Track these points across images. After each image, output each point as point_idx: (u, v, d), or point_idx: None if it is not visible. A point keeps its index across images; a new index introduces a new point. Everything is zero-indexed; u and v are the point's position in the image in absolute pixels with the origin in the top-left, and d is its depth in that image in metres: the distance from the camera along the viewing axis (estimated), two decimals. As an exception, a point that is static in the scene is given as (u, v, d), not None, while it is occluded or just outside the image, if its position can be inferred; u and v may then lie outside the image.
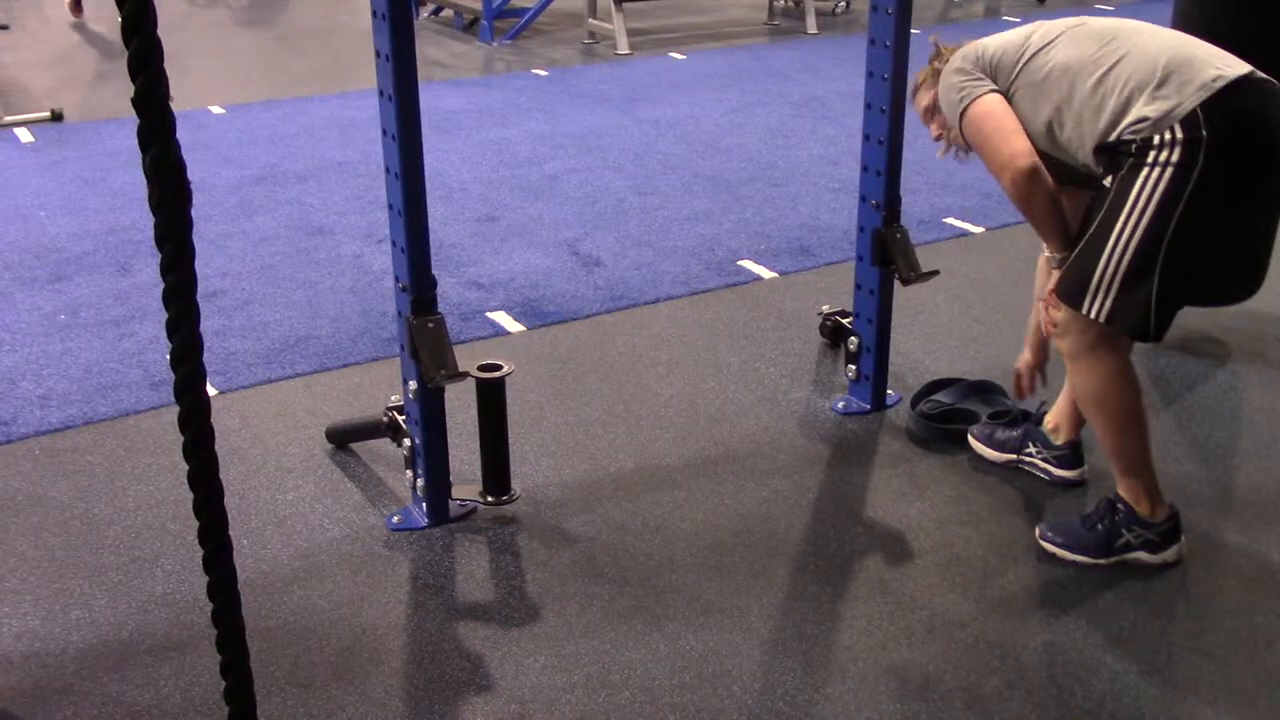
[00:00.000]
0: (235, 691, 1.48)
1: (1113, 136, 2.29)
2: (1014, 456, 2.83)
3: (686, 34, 7.99)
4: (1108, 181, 2.31)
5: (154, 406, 3.14)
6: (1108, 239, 2.27)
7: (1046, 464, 2.79)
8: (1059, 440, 2.76)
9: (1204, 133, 2.19)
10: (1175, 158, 2.21)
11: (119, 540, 2.60)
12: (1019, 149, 2.39)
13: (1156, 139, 2.22)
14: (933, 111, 2.71)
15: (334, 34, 8.13)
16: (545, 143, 5.50)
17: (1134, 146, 2.25)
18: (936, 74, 2.65)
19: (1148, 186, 2.23)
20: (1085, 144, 2.35)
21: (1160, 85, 2.25)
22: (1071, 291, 2.34)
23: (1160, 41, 2.34)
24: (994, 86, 2.47)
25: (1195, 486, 2.78)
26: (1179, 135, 2.20)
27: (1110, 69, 2.32)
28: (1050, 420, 2.78)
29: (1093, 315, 2.30)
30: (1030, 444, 2.80)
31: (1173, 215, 2.22)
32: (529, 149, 5.40)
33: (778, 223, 4.46)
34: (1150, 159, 2.23)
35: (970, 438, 2.91)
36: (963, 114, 2.48)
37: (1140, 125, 2.25)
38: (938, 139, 2.76)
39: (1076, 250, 2.35)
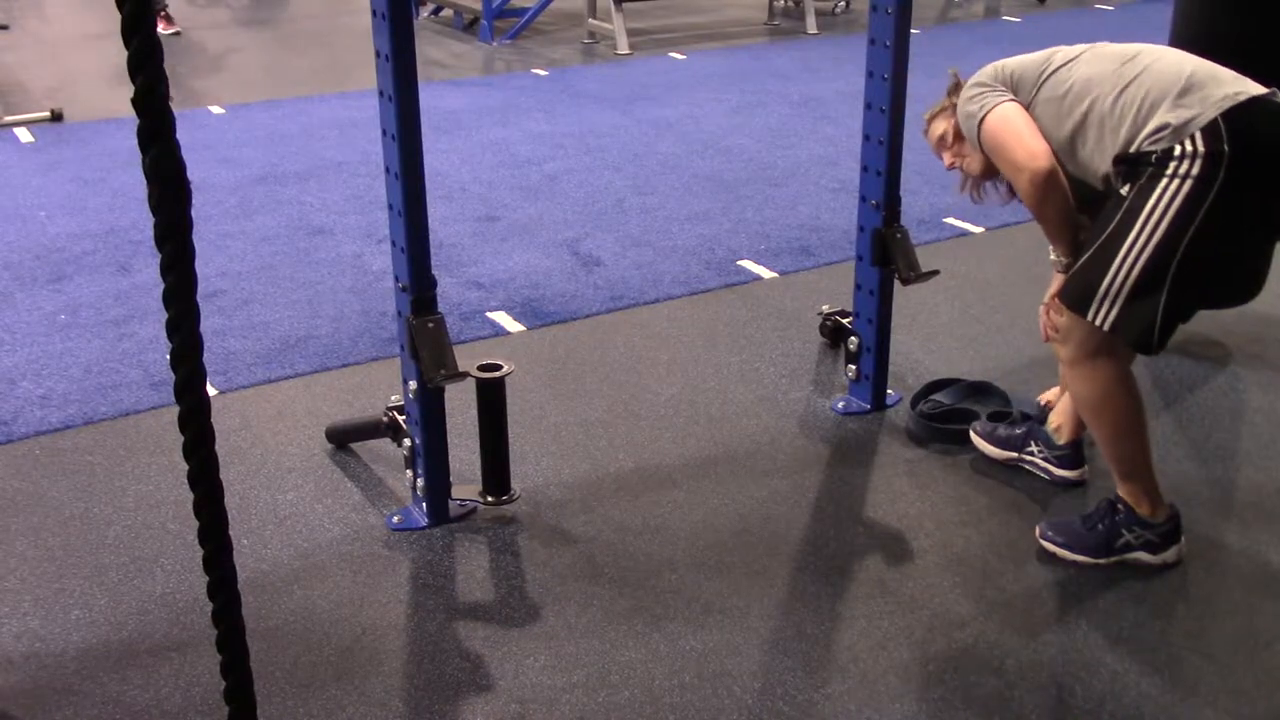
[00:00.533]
0: (235, 691, 1.48)
1: (1134, 147, 2.27)
2: (1015, 455, 2.83)
3: (686, 34, 7.99)
4: (1125, 190, 2.29)
5: (154, 406, 3.14)
6: (1120, 247, 2.25)
7: (1047, 464, 2.79)
8: (1061, 440, 2.76)
9: (1225, 147, 2.17)
10: (1195, 170, 2.19)
11: (119, 540, 2.60)
12: (1037, 149, 2.39)
13: (1178, 149, 2.20)
14: (947, 141, 2.71)
15: (334, 34, 8.13)
16: (545, 143, 5.50)
17: (1154, 157, 2.23)
18: (953, 106, 2.65)
19: (1165, 197, 2.21)
20: (1106, 158, 2.34)
21: (1182, 95, 2.24)
22: (1076, 298, 2.33)
23: (1182, 59, 2.34)
24: (1013, 97, 2.47)
25: (1195, 486, 2.78)
26: (1200, 148, 2.18)
27: (1131, 83, 2.31)
28: (1054, 421, 2.78)
29: (1097, 323, 2.29)
30: (1032, 443, 2.80)
31: (1189, 228, 2.20)
32: (529, 149, 5.40)
33: (778, 223, 4.46)
34: (1170, 170, 2.21)
35: (972, 434, 2.90)
36: (981, 121, 2.47)
37: (1161, 134, 2.23)
38: (950, 168, 2.75)
39: (1086, 256, 2.34)
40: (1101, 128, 2.34)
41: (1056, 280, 2.51)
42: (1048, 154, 2.39)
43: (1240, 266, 2.34)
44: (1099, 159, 2.36)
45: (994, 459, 2.85)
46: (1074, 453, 2.77)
